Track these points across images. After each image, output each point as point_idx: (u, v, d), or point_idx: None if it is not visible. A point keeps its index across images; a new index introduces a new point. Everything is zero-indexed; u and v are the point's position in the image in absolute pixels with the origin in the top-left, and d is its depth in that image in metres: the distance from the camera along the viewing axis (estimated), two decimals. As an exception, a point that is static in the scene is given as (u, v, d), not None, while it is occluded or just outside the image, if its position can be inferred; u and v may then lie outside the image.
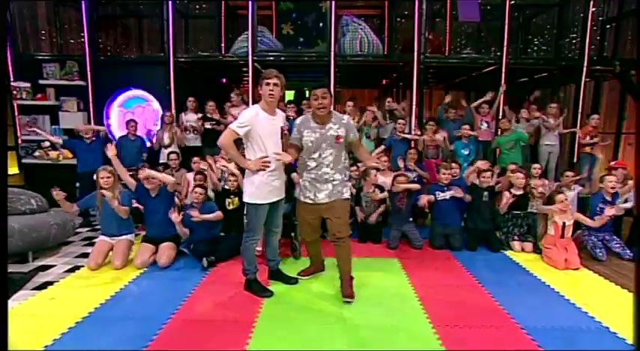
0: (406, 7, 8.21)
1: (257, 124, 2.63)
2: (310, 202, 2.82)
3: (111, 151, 3.57)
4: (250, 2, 5.36)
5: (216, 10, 7.68)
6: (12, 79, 5.73)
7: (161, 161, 5.26)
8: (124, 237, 3.56)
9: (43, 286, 3.04)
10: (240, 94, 5.68)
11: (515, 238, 4.09)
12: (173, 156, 4.86)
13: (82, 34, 5.83)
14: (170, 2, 5.49)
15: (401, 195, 4.09)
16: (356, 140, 2.85)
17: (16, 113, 5.81)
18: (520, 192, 4.09)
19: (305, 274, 3.25)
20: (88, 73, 5.68)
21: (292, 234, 3.79)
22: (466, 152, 5.12)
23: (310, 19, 7.71)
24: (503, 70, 5.40)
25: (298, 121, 2.83)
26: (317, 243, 3.18)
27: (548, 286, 3.22)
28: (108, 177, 3.45)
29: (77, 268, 3.43)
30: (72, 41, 6.99)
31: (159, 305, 2.74)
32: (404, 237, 4.17)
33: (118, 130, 5.86)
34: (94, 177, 3.53)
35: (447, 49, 7.66)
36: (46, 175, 5.76)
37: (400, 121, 5.19)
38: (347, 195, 2.84)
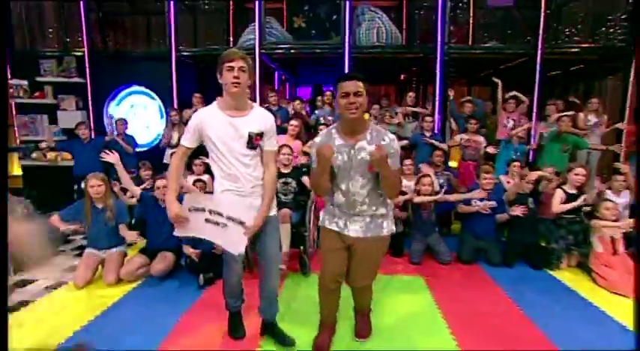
0: (425, -3, 7.74)
1: (207, 127, 1.96)
2: (337, 229, 2.06)
3: (112, 157, 3.20)
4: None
5: (224, 3, 7.28)
6: (9, 77, 5.46)
7: (164, 162, 4.92)
8: (115, 249, 3.18)
9: (16, 307, 2.67)
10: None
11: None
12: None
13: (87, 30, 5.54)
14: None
15: (425, 204, 3.60)
16: (395, 170, 1.98)
17: (14, 112, 5.54)
18: (574, 191, 3.48)
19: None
20: (87, 69, 5.35)
21: (301, 247, 3.35)
22: (513, 156, 4.52)
23: (323, 10, 7.26)
24: (538, 61, 4.82)
25: (318, 138, 2.06)
26: (338, 293, 2.21)
27: (604, 312, 2.70)
28: (99, 185, 3.07)
29: (61, 284, 3.06)
30: (69, 39, 6.68)
31: (145, 333, 2.34)
32: (428, 249, 3.67)
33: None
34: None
35: (470, 40, 7.09)
36: (45, 178, 5.48)
37: (427, 118, 4.68)
38: (388, 230, 2.07)
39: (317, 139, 2.06)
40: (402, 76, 7.51)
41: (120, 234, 3.18)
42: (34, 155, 5.32)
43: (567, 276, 3.31)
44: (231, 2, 7.26)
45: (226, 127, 1.94)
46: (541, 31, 4.78)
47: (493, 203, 3.57)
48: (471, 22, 7.19)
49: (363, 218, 2.02)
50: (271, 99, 5.35)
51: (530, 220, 3.59)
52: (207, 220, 2.00)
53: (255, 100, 5.27)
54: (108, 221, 3.10)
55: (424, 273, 3.35)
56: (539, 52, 4.81)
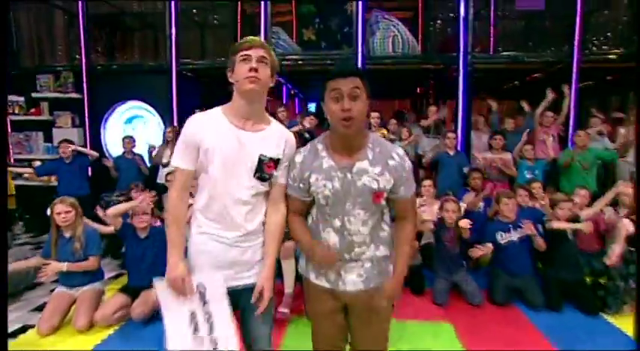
0: (441, 6, 7.40)
1: (206, 136, 1.38)
2: (329, 285, 1.50)
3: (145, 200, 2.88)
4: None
5: (231, 16, 7.06)
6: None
7: (158, 182, 4.56)
8: (89, 286, 2.76)
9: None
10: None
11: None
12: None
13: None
14: (172, 3, 4.84)
15: (451, 232, 3.08)
16: (408, 199, 1.49)
17: (9, 130, 5.30)
18: None
19: None
20: (84, 84, 5.08)
21: (306, 286, 2.86)
22: (529, 176, 4.05)
23: (334, 22, 6.94)
24: (574, 70, 4.33)
25: (299, 156, 1.48)
26: None
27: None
28: (67, 212, 2.66)
29: (25, 329, 2.63)
30: (78, 56, 6.50)
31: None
32: (454, 286, 3.14)
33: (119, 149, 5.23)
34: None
35: (491, 51, 6.65)
36: (39, 198, 5.17)
37: (450, 134, 4.22)
38: (391, 270, 1.57)
39: (298, 158, 1.47)
40: (419, 90, 7.08)
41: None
42: (26, 175, 5.03)
43: (626, 323, 2.71)
44: (238, 16, 7.01)
45: (231, 141, 1.37)
46: (577, 37, 4.30)
47: (525, 231, 3.05)
48: (491, 32, 6.77)
49: (361, 263, 1.47)
50: (280, 114, 4.96)
51: (569, 254, 3.04)
52: (192, 315, 1.41)
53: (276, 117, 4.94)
54: (75, 253, 2.68)
55: (452, 318, 2.82)
56: (575, 59, 4.31)
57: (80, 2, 5.05)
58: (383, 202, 1.43)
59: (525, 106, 4.71)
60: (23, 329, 2.62)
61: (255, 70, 1.32)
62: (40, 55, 7.09)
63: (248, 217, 1.43)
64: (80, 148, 4.47)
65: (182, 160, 1.40)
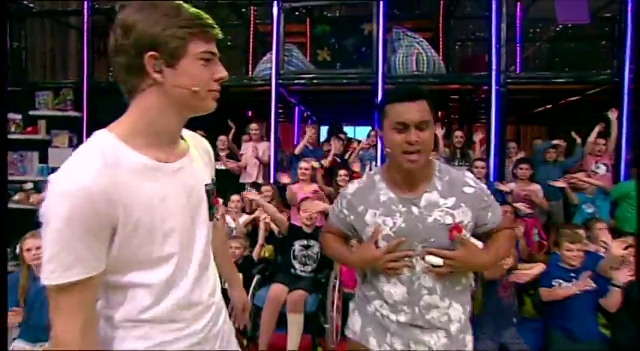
0: (462, 28, 7.16)
1: (128, 197, 0.74)
2: None
3: None
4: (276, 7, 4.27)
5: (244, 35, 6.85)
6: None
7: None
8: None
9: None
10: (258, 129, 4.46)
11: None
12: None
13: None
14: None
15: (507, 282, 2.53)
16: (497, 226, 1.27)
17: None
18: None
19: None
20: (84, 102, 4.78)
21: (319, 349, 2.33)
22: (590, 210, 3.48)
23: (350, 42, 6.66)
24: (626, 90, 3.83)
25: (352, 187, 1.29)
26: None
27: None
28: (38, 247, 2.19)
29: (-30, 395, 2.14)
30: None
31: None
32: (501, 348, 2.55)
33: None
34: None
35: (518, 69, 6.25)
36: (31, 224, 4.78)
37: (478, 163, 3.74)
38: (471, 346, 1.25)
39: (350, 190, 1.28)
40: (440, 113, 6.65)
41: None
42: (15, 197, 4.66)
43: None
44: (251, 35, 6.78)
45: (172, 188, 0.82)
46: (628, 51, 3.80)
47: (589, 283, 2.47)
48: (517, 53, 6.40)
49: (434, 332, 1.16)
50: (309, 136, 4.53)
51: None
52: None
53: (267, 139, 4.55)
54: None
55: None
56: (626, 78, 3.81)
57: (86, 18, 4.82)
58: (459, 238, 1.14)
59: (577, 138, 4.17)
60: (-32, 395, 2.13)
61: (223, 80, 0.85)
62: (51, 72, 6.99)
63: (214, 287, 0.95)
64: None
65: (83, 264, 0.70)
